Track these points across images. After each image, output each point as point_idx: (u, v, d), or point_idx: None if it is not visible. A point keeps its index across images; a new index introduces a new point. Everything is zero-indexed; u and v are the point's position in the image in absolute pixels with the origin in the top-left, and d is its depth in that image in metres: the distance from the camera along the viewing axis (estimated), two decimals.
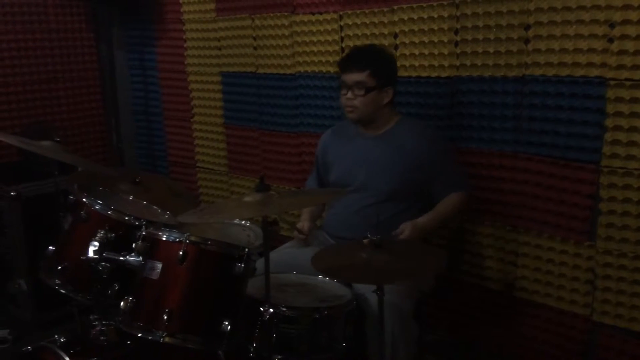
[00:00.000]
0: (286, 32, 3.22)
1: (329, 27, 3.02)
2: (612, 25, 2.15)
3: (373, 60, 2.40)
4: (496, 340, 2.72)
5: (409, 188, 2.42)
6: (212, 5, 3.57)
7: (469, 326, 2.81)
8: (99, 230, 2.05)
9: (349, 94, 2.40)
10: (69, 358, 1.98)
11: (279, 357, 1.96)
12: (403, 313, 2.18)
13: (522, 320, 2.60)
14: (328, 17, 3.01)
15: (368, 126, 2.49)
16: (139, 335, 1.92)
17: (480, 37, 2.50)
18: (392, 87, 2.44)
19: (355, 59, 2.43)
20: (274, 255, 2.26)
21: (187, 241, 1.93)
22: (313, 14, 3.08)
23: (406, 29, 2.73)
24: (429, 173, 2.40)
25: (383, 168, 2.42)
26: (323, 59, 3.08)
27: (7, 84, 3.71)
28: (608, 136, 2.22)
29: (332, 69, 3.06)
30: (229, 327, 1.90)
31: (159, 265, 1.94)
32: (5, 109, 3.72)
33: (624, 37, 2.13)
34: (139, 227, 2.08)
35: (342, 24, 2.97)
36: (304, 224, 2.53)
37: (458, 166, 2.53)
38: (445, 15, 2.59)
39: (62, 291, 2.15)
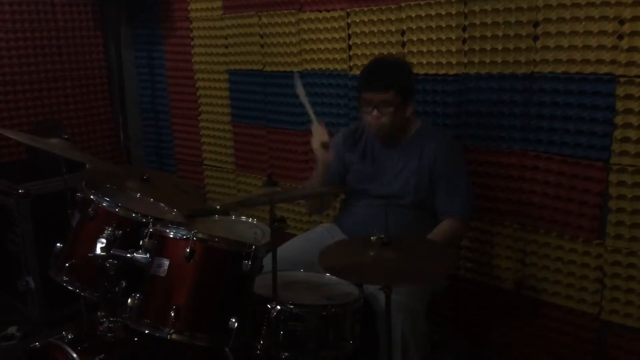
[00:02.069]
0: (293, 30, 3.21)
1: (336, 25, 3.01)
2: (621, 22, 2.14)
3: (396, 79, 2.33)
4: (504, 338, 2.71)
5: (428, 195, 2.39)
6: (219, 3, 3.57)
7: (477, 325, 2.80)
8: (107, 228, 2.05)
9: (375, 112, 2.33)
10: (77, 355, 1.98)
11: (286, 354, 1.95)
12: (414, 314, 2.17)
13: (531, 319, 2.59)
14: (335, 14, 3.00)
15: (391, 137, 2.45)
16: (147, 332, 1.92)
17: (489, 34, 2.49)
18: (414, 98, 2.42)
19: (378, 78, 2.33)
20: (281, 252, 2.25)
21: (194, 238, 1.93)
22: (320, 11, 3.07)
23: (414, 26, 2.72)
24: (437, 177, 2.37)
25: (405, 178, 2.40)
26: (330, 57, 3.07)
27: (15, 83, 3.73)
28: (617, 134, 2.21)
29: (339, 67, 3.05)
30: (236, 325, 1.90)
31: (167, 263, 1.94)
32: (14, 107, 3.74)
33: (633, 33, 2.12)
34: (146, 225, 2.08)
35: (349, 21, 2.96)
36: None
37: (467, 186, 2.43)
38: (453, 12, 2.57)
39: (70, 288, 2.16)
